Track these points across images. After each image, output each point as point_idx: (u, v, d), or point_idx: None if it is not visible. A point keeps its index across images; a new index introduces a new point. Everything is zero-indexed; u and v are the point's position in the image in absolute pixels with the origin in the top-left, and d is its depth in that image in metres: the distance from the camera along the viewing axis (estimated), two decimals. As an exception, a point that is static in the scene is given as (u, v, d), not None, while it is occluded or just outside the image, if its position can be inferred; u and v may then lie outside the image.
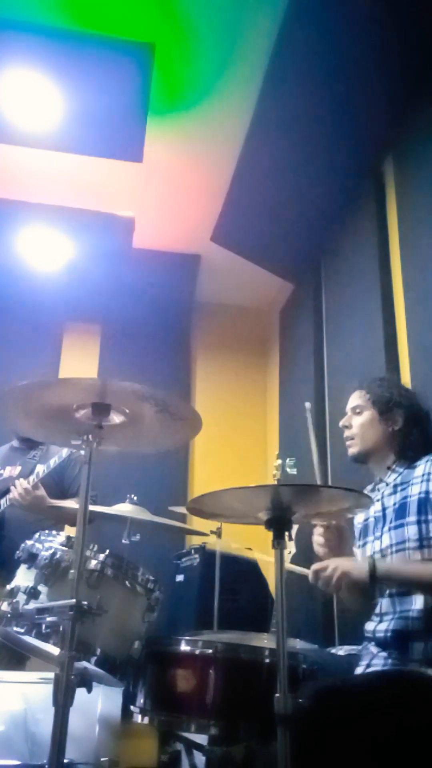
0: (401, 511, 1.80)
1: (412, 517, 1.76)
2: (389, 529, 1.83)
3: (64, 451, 2.69)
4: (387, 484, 1.89)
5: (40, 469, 2.73)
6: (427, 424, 1.96)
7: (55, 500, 2.78)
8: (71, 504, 2.70)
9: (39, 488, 2.72)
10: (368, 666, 1.74)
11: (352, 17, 2.71)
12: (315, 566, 1.71)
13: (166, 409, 1.66)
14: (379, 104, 3.04)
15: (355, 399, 2.02)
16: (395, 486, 1.86)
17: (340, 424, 2.03)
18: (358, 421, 1.98)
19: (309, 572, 1.73)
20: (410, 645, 1.66)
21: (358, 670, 1.75)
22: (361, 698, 1.46)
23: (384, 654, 1.72)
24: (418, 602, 1.70)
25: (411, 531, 1.74)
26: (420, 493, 1.77)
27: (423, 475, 1.80)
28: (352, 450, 1.98)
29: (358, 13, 2.69)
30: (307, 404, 2.19)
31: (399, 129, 3.06)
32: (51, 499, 2.77)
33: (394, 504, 1.84)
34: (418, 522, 1.74)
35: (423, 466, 1.83)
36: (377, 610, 1.83)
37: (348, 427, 2.00)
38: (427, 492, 1.76)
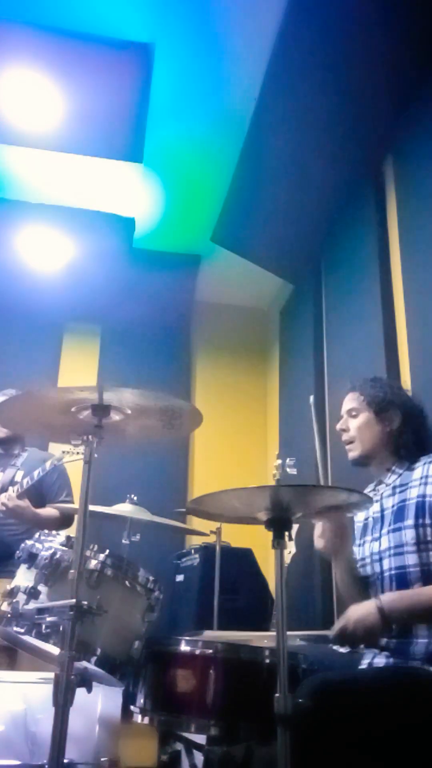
0: (399, 514, 1.79)
1: (410, 521, 1.75)
2: (387, 532, 1.81)
3: (48, 464, 2.79)
4: (386, 486, 1.89)
5: (24, 481, 2.87)
6: (422, 423, 1.95)
7: (36, 509, 2.93)
8: (50, 512, 2.96)
9: (23, 498, 2.87)
10: (370, 664, 1.74)
11: (351, 17, 2.71)
12: (335, 631, 1.66)
13: (168, 414, 1.66)
14: (380, 104, 3.04)
15: (350, 401, 1.99)
16: (394, 488, 1.86)
17: (337, 427, 2.00)
18: (354, 423, 1.95)
19: (331, 633, 1.70)
20: (412, 643, 1.66)
21: (361, 668, 1.75)
22: (362, 696, 1.46)
23: (387, 652, 1.72)
24: None
25: (409, 535, 1.73)
26: (418, 496, 1.76)
27: (421, 477, 1.79)
28: (353, 454, 1.95)
29: (358, 13, 2.69)
30: (311, 398, 2.18)
31: (399, 129, 3.06)
32: (31, 505, 2.92)
33: (393, 506, 1.83)
34: (416, 526, 1.73)
35: (421, 468, 1.82)
36: None
37: (345, 430, 1.97)
38: (424, 495, 1.75)
